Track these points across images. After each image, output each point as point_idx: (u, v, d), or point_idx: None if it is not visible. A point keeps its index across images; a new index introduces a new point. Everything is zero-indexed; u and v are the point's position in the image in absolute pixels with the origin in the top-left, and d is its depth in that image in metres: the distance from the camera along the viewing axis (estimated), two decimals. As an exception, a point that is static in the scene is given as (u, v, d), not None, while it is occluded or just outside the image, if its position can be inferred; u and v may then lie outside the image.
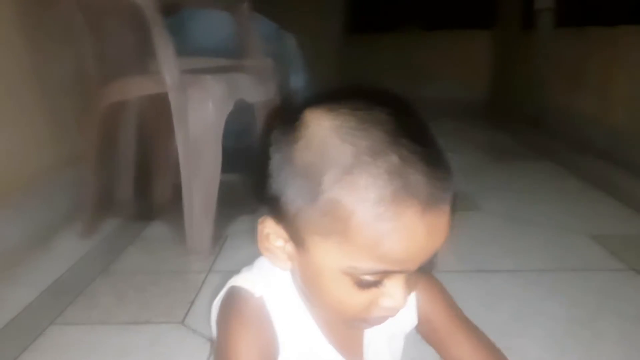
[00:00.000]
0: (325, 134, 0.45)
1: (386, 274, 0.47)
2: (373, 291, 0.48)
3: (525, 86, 3.58)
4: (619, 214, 1.92)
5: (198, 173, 1.50)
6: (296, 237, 0.49)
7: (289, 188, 0.47)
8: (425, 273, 0.51)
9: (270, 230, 0.51)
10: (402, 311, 0.55)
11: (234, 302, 0.55)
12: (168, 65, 1.41)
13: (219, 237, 1.66)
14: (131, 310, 1.28)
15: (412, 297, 0.63)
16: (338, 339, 0.57)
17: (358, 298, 0.48)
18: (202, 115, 1.44)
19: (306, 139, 0.46)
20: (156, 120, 1.74)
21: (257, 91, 1.71)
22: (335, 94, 0.48)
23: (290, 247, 0.50)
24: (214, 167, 1.50)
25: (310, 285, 0.51)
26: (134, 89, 1.58)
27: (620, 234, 1.71)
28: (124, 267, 1.54)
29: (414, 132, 0.46)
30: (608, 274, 1.43)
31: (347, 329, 0.58)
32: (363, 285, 0.47)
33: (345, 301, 0.48)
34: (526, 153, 2.97)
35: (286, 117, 0.49)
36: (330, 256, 0.46)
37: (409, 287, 0.50)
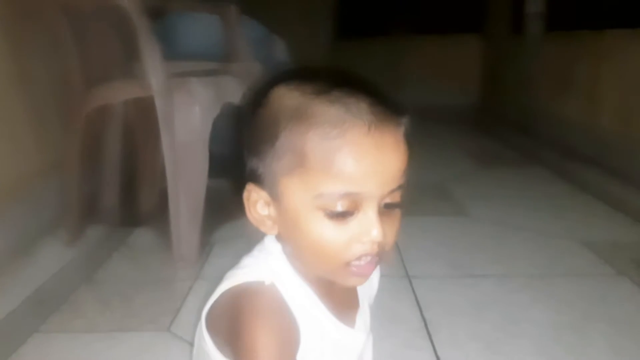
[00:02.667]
0: (279, 92, 0.53)
1: (353, 200, 0.50)
2: (348, 227, 0.50)
3: (514, 91, 3.59)
4: (608, 219, 1.92)
5: (184, 179, 1.48)
6: (272, 191, 0.53)
7: (256, 147, 0.53)
8: (398, 210, 0.53)
9: (254, 194, 0.55)
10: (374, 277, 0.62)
11: (247, 298, 0.53)
12: (154, 69, 1.39)
13: (205, 244, 1.64)
14: (116, 319, 1.26)
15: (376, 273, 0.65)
16: (337, 310, 0.58)
17: (334, 233, 0.50)
18: (188, 119, 1.43)
19: (267, 104, 0.53)
20: (142, 125, 1.72)
21: (244, 95, 1.70)
22: (295, 75, 0.54)
23: (273, 210, 0.54)
24: (201, 172, 1.49)
25: (293, 236, 0.53)
26: (119, 93, 1.55)
27: (610, 239, 1.71)
28: (109, 275, 1.51)
29: (355, 80, 0.52)
30: (597, 279, 1.43)
31: (343, 297, 0.60)
32: (336, 217, 0.50)
33: (322, 239, 0.51)
34: (515, 158, 2.97)
35: (253, 98, 0.55)
36: (299, 193, 0.51)
37: (388, 224, 0.52)
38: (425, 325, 1.21)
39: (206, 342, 0.58)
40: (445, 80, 4.30)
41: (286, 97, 0.52)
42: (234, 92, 1.56)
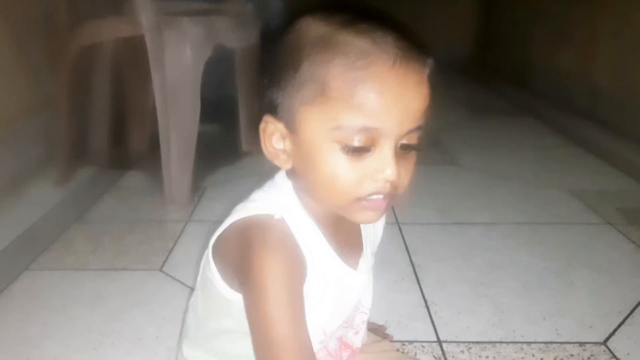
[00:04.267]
0: (304, 23, 0.52)
1: (371, 135, 0.49)
2: (362, 164, 0.50)
3: (508, 42, 3.55)
4: (597, 170, 1.94)
5: (175, 120, 1.46)
6: (290, 122, 0.52)
7: (278, 76, 0.52)
8: (415, 153, 0.53)
9: (271, 126, 0.54)
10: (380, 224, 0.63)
11: (257, 229, 0.53)
12: (144, 7, 1.35)
13: (197, 188, 1.64)
14: (107, 258, 1.27)
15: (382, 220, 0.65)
16: (342, 251, 0.59)
17: (348, 168, 0.50)
18: (179, 59, 1.40)
19: (292, 33, 0.52)
20: (132, 65, 1.69)
21: (237, 36, 1.66)
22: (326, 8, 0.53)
23: (288, 143, 0.54)
24: (192, 113, 1.47)
25: (306, 170, 0.53)
26: (108, 31, 1.51)
27: (597, 189, 1.73)
28: (100, 215, 1.52)
29: (383, 14, 0.51)
30: (583, 228, 1.45)
31: (348, 240, 0.60)
32: (352, 151, 0.49)
33: (336, 173, 0.50)
34: (508, 109, 2.97)
35: (278, 28, 0.55)
36: (317, 124, 0.50)
37: (403, 165, 0.51)
38: (414, 269, 1.23)
39: (212, 271, 0.58)
40: (439, 31, 4.22)
41: (312, 26, 0.51)
42: (226, 33, 1.53)
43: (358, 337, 0.64)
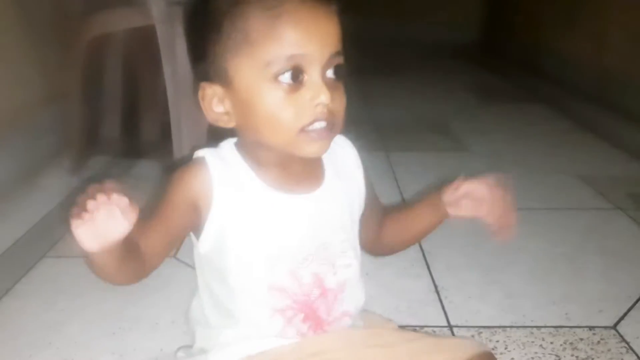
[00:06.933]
0: None
1: (298, 64, 0.55)
2: (297, 96, 0.55)
3: (517, 27, 3.52)
4: (607, 156, 1.94)
5: (187, 109, 1.47)
6: (224, 80, 0.58)
7: (203, 44, 0.59)
8: (342, 82, 0.59)
9: (209, 91, 0.60)
10: (351, 164, 0.69)
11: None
12: (155, -4, 1.36)
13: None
14: (122, 245, 1.29)
15: (360, 166, 0.70)
16: (284, 182, 0.63)
17: (286, 104, 0.56)
18: (190, 49, 1.41)
19: (206, 4, 0.59)
20: (143, 55, 1.70)
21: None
22: None
23: (228, 103, 0.59)
24: (203, 103, 1.48)
25: (248, 120, 0.59)
26: (120, 21, 1.52)
27: (607, 174, 1.73)
28: (114, 203, 1.53)
29: None
30: (594, 213, 1.46)
31: (303, 172, 0.64)
32: (287, 86, 0.55)
33: (278, 109, 0.56)
34: (517, 95, 2.95)
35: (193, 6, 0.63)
36: (249, 70, 0.56)
37: (334, 93, 0.57)
38: (424, 255, 1.24)
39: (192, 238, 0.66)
40: (446, 16, 4.20)
41: None
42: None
43: (335, 278, 0.65)
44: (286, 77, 0.55)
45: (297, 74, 0.55)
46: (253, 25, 0.55)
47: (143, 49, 1.63)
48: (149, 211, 0.62)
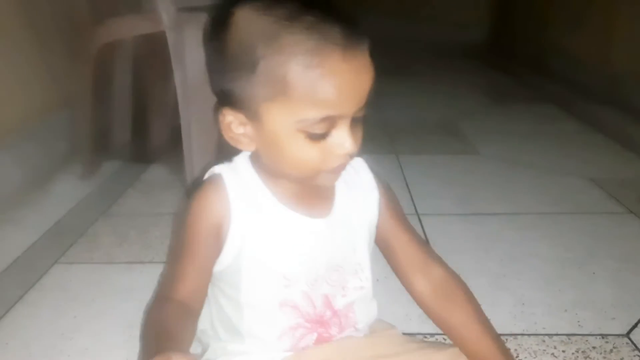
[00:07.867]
0: (247, 14, 0.54)
1: (330, 121, 0.54)
2: (324, 144, 0.55)
3: (527, 27, 3.50)
4: (618, 157, 1.92)
5: (197, 115, 1.48)
6: (251, 113, 0.56)
7: (230, 72, 0.55)
8: (362, 120, 0.58)
9: (230, 117, 0.58)
10: (364, 186, 0.68)
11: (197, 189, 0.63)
12: (164, 3, 1.36)
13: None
14: (133, 251, 1.30)
15: (374, 190, 0.69)
16: (301, 201, 0.64)
17: (312, 151, 0.56)
18: (200, 54, 1.40)
19: (234, 27, 0.55)
20: (153, 61, 1.71)
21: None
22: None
23: (250, 129, 0.58)
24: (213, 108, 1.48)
25: (271, 153, 0.58)
26: (129, 28, 1.53)
27: (619, 177, 1.72)
28: (125, 209, 1.55)
29: (323, 3, 0.55)
30: (605, 217, 1.45)
31: (316, 194, 0.65)
32: (314, 138, 0.55)
33: (302, 157, 0.56)
34: (526, 96, 2.94)
35: (214, 18, 0.58)
36: (281, 117, 0.54)
37: (355, 134, 0.57)
38: (434, 260, 1.23)
39: None
40: (455, 17, 4.19)
41: (257, 21, 0.54)
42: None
43: (344, 300, 0.66)
44: (316, 130, 0.55)
45: (328, 129, 0.55)
46: (293, 81, 0.52)
47: (153, 55, 1.64)
48: (175, 250, 0.63)
